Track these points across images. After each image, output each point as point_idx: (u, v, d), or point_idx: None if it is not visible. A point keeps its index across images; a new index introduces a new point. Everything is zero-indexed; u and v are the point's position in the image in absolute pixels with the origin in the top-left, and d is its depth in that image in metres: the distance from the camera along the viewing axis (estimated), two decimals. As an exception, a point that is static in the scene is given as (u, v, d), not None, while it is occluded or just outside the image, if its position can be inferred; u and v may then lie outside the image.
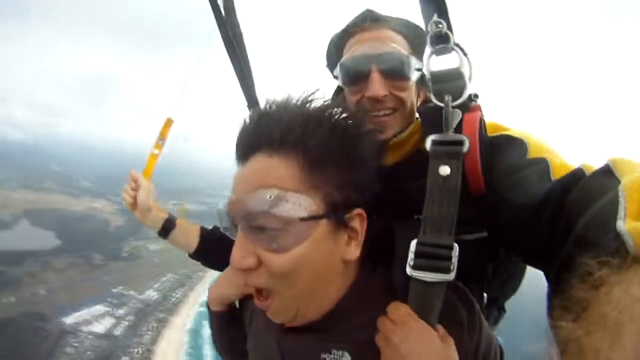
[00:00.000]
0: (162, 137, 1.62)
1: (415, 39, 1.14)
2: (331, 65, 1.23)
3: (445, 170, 0.85)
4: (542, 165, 0.83)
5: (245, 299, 1.21)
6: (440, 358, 0.73)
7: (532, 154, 0.88)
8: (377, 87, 1.05)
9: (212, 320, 1.28)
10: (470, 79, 0.96)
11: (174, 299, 64.47)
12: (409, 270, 0.81)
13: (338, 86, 1.27)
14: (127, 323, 57.21)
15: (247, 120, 0.88)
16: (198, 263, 1.59)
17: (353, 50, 1.11)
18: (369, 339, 0.81)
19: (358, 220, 0.84)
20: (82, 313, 57.96)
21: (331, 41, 1.23)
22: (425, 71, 1.01)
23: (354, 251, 0.84)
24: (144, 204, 1.47)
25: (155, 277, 71.71)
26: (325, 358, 0.85)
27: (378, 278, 0.93)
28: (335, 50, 1.20)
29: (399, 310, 0.80)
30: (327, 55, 1.26)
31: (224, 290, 1.22)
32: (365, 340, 0.82)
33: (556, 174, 0.79)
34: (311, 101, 0.86)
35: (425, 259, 0.80)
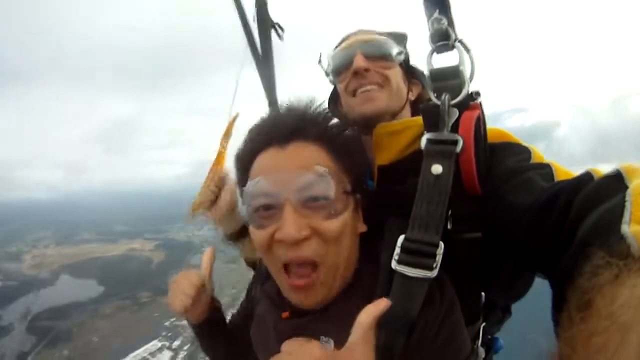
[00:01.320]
0: (228, 132, 1.47)
1: (399, 40, 1.27)
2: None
3: (437, 169, 0.87)
4: (546, 169, 0.85)
5: (254, 284, 1.32)
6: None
7: (536, 159, 0.91)
8: (360, 61, 1.18)
9: (198, 336, 1.32)
10: (471, 77, 0.96)
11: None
12: (393, 264, 0.84)
13: (330, 95, 1.44)
14: (185, 353, 56.35)
15: (287, 112, 1.04)
16: (245, 281, 1.53)
17: (341, 47, 1.29)
18: (349, 328, 0.81)
19: (360, 203, 1.02)
20: (139, 352, 57.88)
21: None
22: (425, 69, 1.03)
23: (363, 226, 1.02)
24: (229, 203, 1.33)
25: (204, 303, 70.60)
26: None
27: (367, 269, 0.99)
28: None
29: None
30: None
31: (176, 302, 1.18)
32: (347, 328, 0.82)
33: (559, 177, 0.81)
34: (325, 105, 1.07)
35: (410, 255, 0.83)
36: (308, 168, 0.89)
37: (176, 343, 58.53)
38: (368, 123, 1.18)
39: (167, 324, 64.97)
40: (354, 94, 1.21)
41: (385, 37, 1.23)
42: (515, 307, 1.28)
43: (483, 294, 1.09)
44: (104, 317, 70.45)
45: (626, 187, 0.59)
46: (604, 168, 0.70)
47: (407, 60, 1.28)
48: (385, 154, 1.12)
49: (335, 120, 1.04)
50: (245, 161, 1.01)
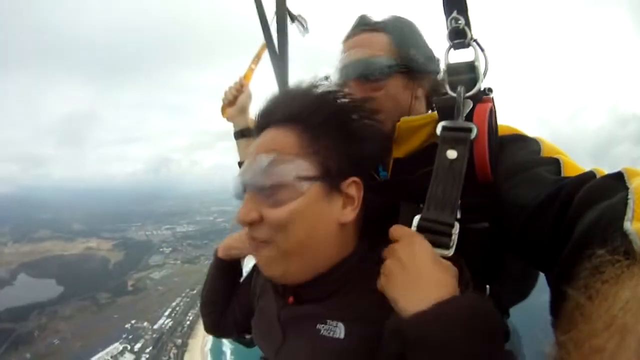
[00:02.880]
0: (258, 56, 1.81)
1: (402, 34, 1.23)
2: None
3: (452, 154, 0.89)
4: (554, 164, 0.85)
5: (257, 271, 1.30)
6: (434, 261, 0.76)
7: (546, 153, 0.91)
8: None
9: (212, 265, 1.43)
10: (485, 73, 1.00)
11: (188, 322, 64.17)
12: None
13: None
14: (147, 355, 56.99)
15: (265, 102, 1.01)
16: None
17: (339, 60, 1.26)
18: (365, 311, 0.84)
19: (354, 187, 0.90)
20: (100, 355, 57.52)
21: None
22: (442, 64, 1.07)
23: (349, 215, 0.90)
24: (243, 104, 1.68)
25: (165, 305, 71.31)
26: (320, 329, 0.88)
27: (378, 252, 0.93)
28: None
29: (401, 230, 0.84)
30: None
31: (232, 242, 1.37)
32: (361, 311, 0.85)
33: (567, 173, 0.81)
34: (317, 86, 0.97)
35: (427, 234, 0.83)
36: (260, 154, 0.89)
37: (137, 345, 59.21)
38: None
39: (127, 326, 65.02)
40: None
41: (373, 52, 1.18)
42: (515, 307, 1.27)
43: (488, 287, 1.05)
44: (64, 318, 68.89)
45: (627, 188, 0.60)
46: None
47: (409, 64, 1.19)
48: (404, 148, 1.13)
49: (323, 89, 0.97)
50: None
